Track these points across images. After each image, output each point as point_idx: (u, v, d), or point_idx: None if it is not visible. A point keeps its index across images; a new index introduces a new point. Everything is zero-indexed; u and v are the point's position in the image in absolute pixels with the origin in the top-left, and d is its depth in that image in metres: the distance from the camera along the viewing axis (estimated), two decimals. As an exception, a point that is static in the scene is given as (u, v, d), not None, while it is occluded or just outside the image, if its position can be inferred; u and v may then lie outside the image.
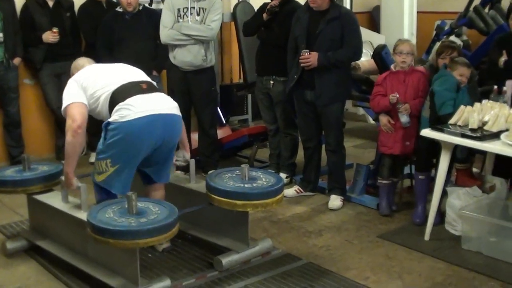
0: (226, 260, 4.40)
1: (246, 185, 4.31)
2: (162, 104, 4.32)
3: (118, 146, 4.15)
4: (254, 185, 4.33)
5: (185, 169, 5.26)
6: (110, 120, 4.17)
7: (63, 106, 4.31)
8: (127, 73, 4.49)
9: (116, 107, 4.17)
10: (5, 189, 4.68)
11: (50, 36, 6.62)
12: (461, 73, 4.95)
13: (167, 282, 4.08)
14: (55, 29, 6.62)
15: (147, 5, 7.18)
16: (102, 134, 4.22)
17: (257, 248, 4.59)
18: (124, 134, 4.11)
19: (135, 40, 6.44)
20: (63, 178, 4.43)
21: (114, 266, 4.12)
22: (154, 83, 4.53)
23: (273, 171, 6.33)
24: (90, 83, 4.33)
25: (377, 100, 5.32)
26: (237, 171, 4.52)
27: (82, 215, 4.10)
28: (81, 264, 4.27)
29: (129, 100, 4.17)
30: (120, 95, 4.22)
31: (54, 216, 4.55)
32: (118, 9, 6.59)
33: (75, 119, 4.21)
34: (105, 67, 4.62)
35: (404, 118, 5.17)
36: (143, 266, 4.30)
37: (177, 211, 3.95)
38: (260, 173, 4.59)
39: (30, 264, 4.59)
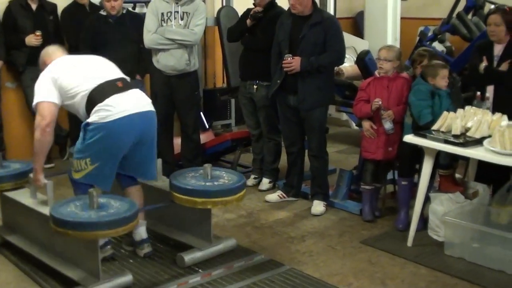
0: (189, 257, 4.52)
1: (207, 183, 4.45)
2: (139, 102, 4.46)
3: (97, 145, 4.24)
4: (216, 183, 4.46)
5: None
6: (89, 121, 4.24)
7: (35, 101, 4.34)
8: (102, 69, 4.54)
9: (95, 108, 4.24)
10: None
11: (33, 39, 6.58)
12: (444, 75, 4.96)
13: (129, 277, 4.21)
14: (38, 32, 6.57)
15: (130, 9, 7.15)
16: (81, 135, 4.30)
17: (220, 246, 4.70)
18: (104, 134, 4.21)
19: (118, 43, 6.41)
20: (31, 175, 4.56)
21: (77, 260, 4.25)
22: (128, 79, 4.61)
23: (256, 176, 6.35)
24: (65, 81, 4.35)
25: (360, 106, 5.32)
26: (201, 171, 4.63)
27: (48, 211, 4.15)
28: (47, 259, 4.43)
29: (107, 101, 4.25)
30: (98, 95, 4.29)
31: (24, 212, 4.67)
32: (102, 12, 6.56)
33: (45, 117, 4.28)
34: (79, 60, 4.60)
35: (387, 125, 5.17)
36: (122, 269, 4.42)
37: (137, 206, 4.12)
38: (223, 172, 4.73)
39: (10, 270, 4.57)
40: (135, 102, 4.41)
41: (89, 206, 3.98)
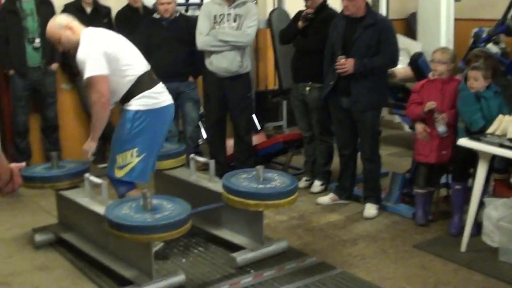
0: (241, 258, 4.55)
1: (259, 186, 4.47)
2: (169, 94, 4.70)
3: (145, 133, 4.43)
4: (268, 185, 4.48)
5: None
6: (138, 109, 4.43)
7: (87, 74, 4.34)
8: (139, 56, 4.66)
9: (142, 94, 4.45)
10: (34, 185, 4.90)
11: None
12: (471, 76, 4.91)
13: (182, 277, 4.26)
14: None
15: (183, 12, 7.21)
16: (128, 125, 4.44)
17: (271, 247, 4.72)
18: (152, 120, 4.45)
19: (171, 46, 6.48)
20: (87, 175, 4.68)
21: (130, 259, 4.33)
22: None
23: (308, 178, 6.35)
24: (122, 58, 4.43)
25: (412, 108, 5.29)
26: (253, 172, 4.65)
27: (103, 211, 4.23)
28: (101, 256, 4.52)
29: (154, 89, 4.50)
30: (144, 83, 4.48)
31: (79, 211, 4.78)
32: (155, 15, 6.63)
33: (103, 94, 4.35)
34: (120, 38, 4.66)
35: (441, 128, 5.12)
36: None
37: (189, 208, 4.16)
38: (276, 174, 4.73)
39: (66, 267, 4.67)
40: (168, 94, 4.66)
41: (143, 208, 4.05)
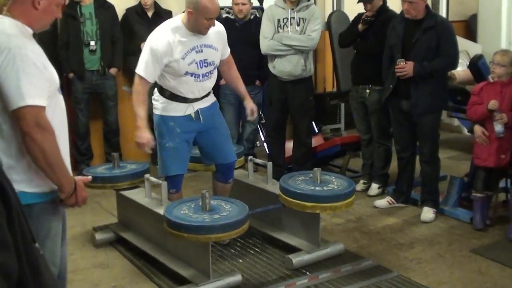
0: (297, 259, 4.57)
1: (316, 188, 4.50)
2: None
3: None
4: (325, 188, 4.51)
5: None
6: None
7: (137, 70, 4.47)
8: None
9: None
10: (95, 185, 4.96)
11: None
12: None
13: (238, 277, 4.31)
14: None
15: (258, 15, 7.24)
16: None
17: (328, 250, 4.74)
18: None
19: (242, 48, 6.49)
20: (147, 175, 4.79)
21: (188, 258, 4.39)
22: None
23: (366, 181, 6.34)
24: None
25: (475, 108, 5.23)
26: (310, 175, 4.68)
27: (162, 211, 4.30)
28: (159, 255, 4.60)
29: None
30: None
31: (138, 211, 4.88)
32: (230, 15, 6.69)
33: (137, 90, 4.49)
34: None
35: (498, 128, 5.05)
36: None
37: (247, 209, 4.19)
38: (333, 177, 4.76)
39: (125, 265, 4.77)
40: None
41: (202, 209, 4.12)
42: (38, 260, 1.44)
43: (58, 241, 2.98)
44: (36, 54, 2.70)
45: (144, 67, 4.40)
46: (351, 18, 6.40)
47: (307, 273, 4.48)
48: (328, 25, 7.35)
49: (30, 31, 2.80)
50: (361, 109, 6.26)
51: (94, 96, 6.91)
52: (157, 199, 4.70)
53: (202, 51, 4.49)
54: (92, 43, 6.61)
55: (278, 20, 6.11)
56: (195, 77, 4.53)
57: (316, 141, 7.12)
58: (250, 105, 4.93)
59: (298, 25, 6.08)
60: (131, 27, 6.91)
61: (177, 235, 4.01)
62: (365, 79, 6.11)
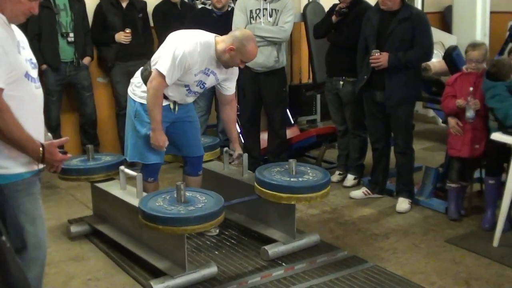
0: (273, 250, 4.58)
1: (292, 179, 4.50)
2: None
3: None
4: (300, 179, 4.50)
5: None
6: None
7: (157, 66, 4.39)
8: None
9: None
10: (70, 177, 4.99)
11: (123, 36, 6.77)
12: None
13: (214, 268, 4.32)
14: (127, 30, 6.75)
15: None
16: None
17: (303, 240, 4.75)
18: None
19: None
20: (122, 167, 4.75)
21: (164, 250, 4.38)
22: None
23: (341, 172, 6.36)
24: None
25: (447, 102, 5.26)
26: (286, 166, 4.67)
27: (137, 203, 4.28)
28: (135, 248, 4.59)
29: None
30: None
31: (113, 203, 4.86)
32: (208, 6, 6.66)
33: (157, 93, 4.41)
34: None
35: (470, 113, 5.06)
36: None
37: (223, 200, 4.19)
38: (308, 168, 4.75)
39: (100, 257, 4.75)
40: None
41: (177, 201, 4.10)
42: (5, 253, 1.43)
43: (40, 224, 3.08)
44: None
45: (169, 69, 4.34)
46: (327, 9, 6.39)
47: (283, 264, 4.49)
48: (303, 16, 7.35)
49: (4, 18, 2.87)
50: (335, 100, 6.26)
51: (67, 87, 6.85)
52: (132, 191, 4.67)
53: (209, 75, 4.54)
54: (71, 34, 6.56)
55: (251, 11, 6.09)
56: (188, 91, 4.59)
57: (292, 132, 7.13)
58: (238, 151, 4.99)
59: (270, 16, 6.06)
60: (105, 17, 6.85)
61: (152, 227, 3.99)
62: (339, 71, 6.11)
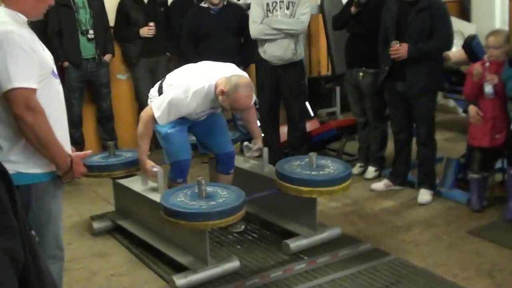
0: (294, 244, 4.58)
1: (312, 173, 4.48)
2: None
3: None
4: (321, 172, 4.49)
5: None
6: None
7: (153, 104, 4.41)
8: None
9: None
10: (91, 174, 4.97)
11: (146, 30, 6.80)
12: None
13: (236, 263, 4.32)
14: (151, 24, 6.79)
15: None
16: None
17: (325, 234, 4.74)
18: None
19: (220, 35, 6.51)
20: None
21: (186, 245, 4.40)
22: None
23: (362, 164, 6.34)
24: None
25: (467, 83, 5.23)
26: (306, 159, 4.66)
27: (159, 198, 4.29)
28: (157, 243, 4.62)
29: None
30: None
31: (135, 199, 4.88)
32: (203, 4, 6.66)
33: (147, 124, 4.42)
34: None
35: (488, 88, 5.05)
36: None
37: (244, 194, 4.19)
38: (329, 161, 4.74)
39: (123, 253, 4.78)
40: None
41: (198, 195, 4.11)
42: (36, 248, 1.46)
43: (60, 225, 3.10)
44: (23, 38, 2.75)
45: (160, 116, 4.33)
46: (345, 0, 6.36)
47: (305, 257, 4.49)
48: (321, 8, 7.32)
49: (25, 18, 2.89)
50: (355, 92, 6.24)
51: (87, 83, 6.89)
52: (154, 187, 4.69)
53: (217, 109, 4.60)
54: (91, 31, 6.59)
55: (267, 4, 6.07)
56: (199, 119, 4.62)
57: (311, 125, 7.11)
58: (259, 144, 5.03)
59: (287, 8, 6.04)
60: (127, 13, 6.89)
61: (174, 222, 4.00)
62: (359, 62, 6.09)
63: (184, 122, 4.60)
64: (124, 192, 5.07)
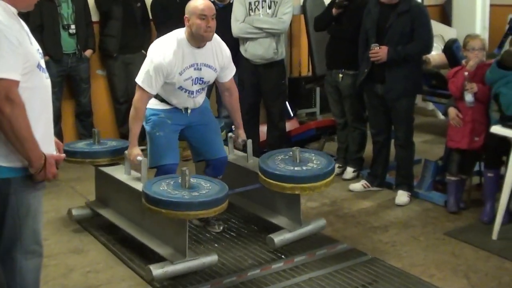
0: (278, 238, 4.56)
1: (295, 168, 4.43)
2: None
3: None
4: (304, 168, 4.44)
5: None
6: None
7: (136, 79, 4.46)
8: None
9: None
10: (74, 159, 4.99)
11: None
12: None
13: (214, 257, 4.30)
14: None
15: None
16: None
17: (309, 227, 4.75)
18: None
19: (223, 31, 6.43)
20: (126, 152, 4.68)
21: (165, 237, 4.37)
22: None
23: (341, 165, 6.35)
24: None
25: (452, 80, 5.25)
26: (290, 153, 4.61)
27: (141, 187, 4.27)
28: (136, 233, 4.59)
29: None
30: None
31: (117, 188, 4.86)
32: None
33: (137, 104, 4.46)
34: None
35: (468, 97, 5.08)
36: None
37: (227, 187, 4.17)
38: (313, 155, 4.70)
39: (100, 250, 4.76)
40: None
41: (181, 186, 4.09)
42: None
43: (39, 219, 3.06)
44: (10, 29, 2.73)
45: (148, 81, 4.38)
46: (327, 2, 6.38)
47: (282, 256, 4.49)
48: (303, 9, 7.32)
49: (14, 10, 2.86)
50: (335, 93, 6.26)
51: (67, 78, 6.84)
52: (137, 176, 4.67)
53: (200, 69, 4.53)
54: (73, 26, 6.55)
55: (250, 3, 6.09)
56: (188, 93, 4.58)
57: (291, 125, 7.13)
58: (242, 136, 5.06)
59: (269, 8, 6.07)
60: (106, 8, 6.83)
61: (155, 210, 3.97)
62: (339, 63, 6.10)
63: (176, 125, 4.61)
64: (106, 180, 5.04)
